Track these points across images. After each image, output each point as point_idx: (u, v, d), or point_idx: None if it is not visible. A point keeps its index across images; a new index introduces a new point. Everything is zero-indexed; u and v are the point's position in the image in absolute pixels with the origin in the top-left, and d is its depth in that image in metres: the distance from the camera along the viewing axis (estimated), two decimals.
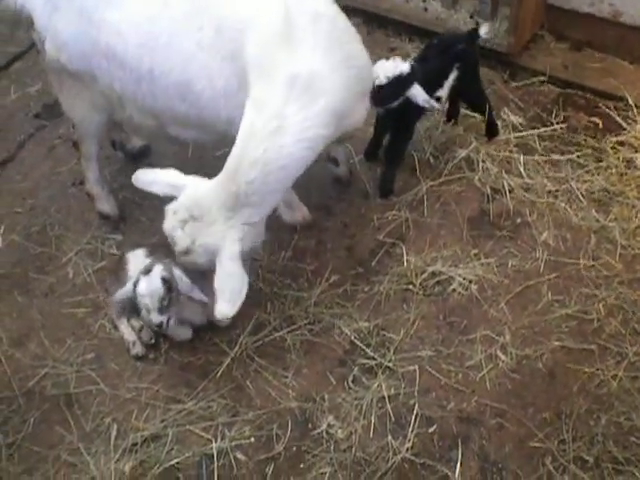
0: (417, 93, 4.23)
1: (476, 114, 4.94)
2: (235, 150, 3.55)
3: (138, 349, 4.03)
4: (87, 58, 3.91)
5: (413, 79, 4.21)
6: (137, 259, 4.05)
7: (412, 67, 4.21)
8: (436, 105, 4.40)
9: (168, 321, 3.78)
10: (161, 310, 3.73)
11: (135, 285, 3.77)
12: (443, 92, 4.52)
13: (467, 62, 4.56)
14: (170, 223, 3.63)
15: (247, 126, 3.52)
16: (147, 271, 3.75)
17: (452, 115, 4.98)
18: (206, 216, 3.55)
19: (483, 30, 4.59)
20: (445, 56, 4.50)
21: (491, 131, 4.90)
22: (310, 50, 3.51)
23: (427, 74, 4.30)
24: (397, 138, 4.55)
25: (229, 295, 3.48)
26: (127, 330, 4.07)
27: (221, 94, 3.72)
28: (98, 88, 4.03)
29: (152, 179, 3.79)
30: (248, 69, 3.54)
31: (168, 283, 3.72)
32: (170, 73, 3.76)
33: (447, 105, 4.88)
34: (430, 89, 4.31)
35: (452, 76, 4.51)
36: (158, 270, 3.73)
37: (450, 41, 4.60)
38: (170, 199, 3.68)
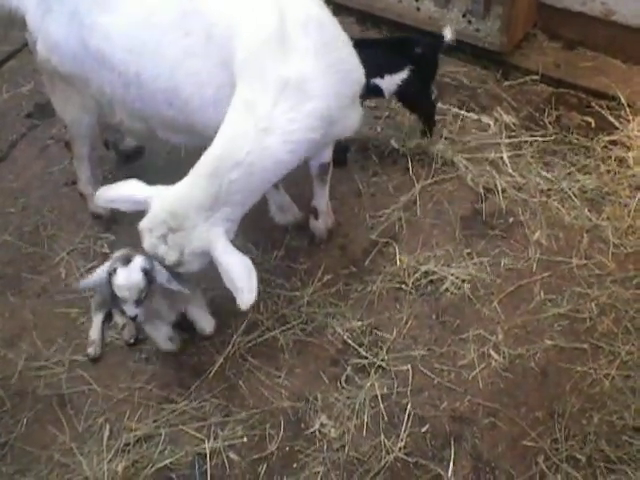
0: None
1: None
2: (214, 150, 3.48)
3: (92, 350, 4.03)
4: (78, 60, 3.90)
5: None
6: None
7: None
8: None
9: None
10: (137, 302, 3.57)
11: (110, 274, 3.54)
12: (385, 84, 4.50)
13: (421, 69, 4.55)
14: (149, 242, 3.54)
15: (231, 126, 3.48)
16: (126, 261, 3.55)
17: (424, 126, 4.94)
18: (185, 223, 3.48)
19: (448, 36, 4.58)
20: (400, 52, 4.51)
21: (425, 133, 4.89)
22: (301, 54, 3.47)
23: (370, 59, 4.29)
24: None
25: (241, 284, 3.43)
26: (96, 327, 4.07)
27: (211, 102, 3.67)
28: (89, 91, 4.02)
29: (114, 196, 3.71)
30: (236, 71, 3.50)
31: (149, 275, 3.56)
32: (157, 79, 3.74)
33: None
34: (369, 73, 4.30)
35: (400, 76, 4.50)
36: (139, 261, 3.55)
37: (412, 42, 4.60)
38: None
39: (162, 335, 3.90)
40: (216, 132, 3.72)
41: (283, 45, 3.45)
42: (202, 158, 3.50)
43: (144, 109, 3.91)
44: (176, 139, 4.11)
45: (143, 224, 3.55)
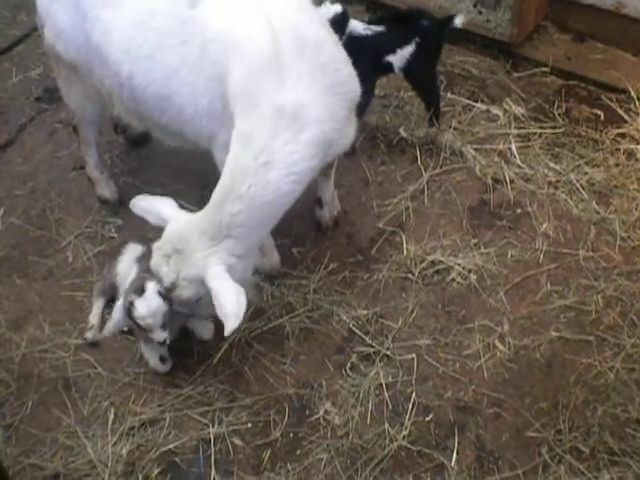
0: (355, 25, 4.39)
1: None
2: (223, 181, 3.46)
3: (90, 335, 4.04)
4: (81, 50, 3.90)
5: (348, 17, 4.39)
6: (133, 253, 4.01)
7: (344, 8, 4.39)
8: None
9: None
10: (163, 326, 3.58)
11: (129, 309, 3.54)
12: (395, 60, 4.49)
13: (427, 41, 4.54)
14: (156, 260, 3.56)
15: (233, 159, 3.44)
16: (140, 291, 3.54)
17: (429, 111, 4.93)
18: (187, 247, 3.47)
19: (457, 21, 4.59)
20: (407, 26, 4.51)
21: (432, 121, 4.88)
22: (296, 79, 3.39)
23: (379, 37, 4.31)
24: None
25: (227, 310, 3.36)
26: (96, 313, 4.07)
27: (204, 112, 3.63)
28: (91, 80, 4.01)
29: (148, 207, 3.72)
30: (232, 98, 3.45)
31: (165, 296, 3.55)
32: (150, 85, 3.70)
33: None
34: (381, 52, 4.33)
35: (408, 49, 4.49)
36: (152, 287, 3.53)
37: (417, 14, 4.61)
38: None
39: (155, 356, 3.85)
40: (209, 142, 3.75)
41: (277, 71, 3.37)
42: (216, 188, 3.48)
43: (137, 110, 3.89)
44: (170, 141, 4.07)
45: (155, 243, 3.59)
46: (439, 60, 4.81)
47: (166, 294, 3.54)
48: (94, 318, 4.07)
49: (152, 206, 3.70)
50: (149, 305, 3.52)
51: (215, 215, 3.44)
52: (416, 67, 4.57)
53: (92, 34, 3.79)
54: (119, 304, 3.64)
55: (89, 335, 4.03)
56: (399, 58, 4.49)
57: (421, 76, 4.73)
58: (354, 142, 4.54)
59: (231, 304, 3.36)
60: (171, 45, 3.61)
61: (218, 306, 3.37)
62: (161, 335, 3.60)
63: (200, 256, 3.45)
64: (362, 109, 4.24)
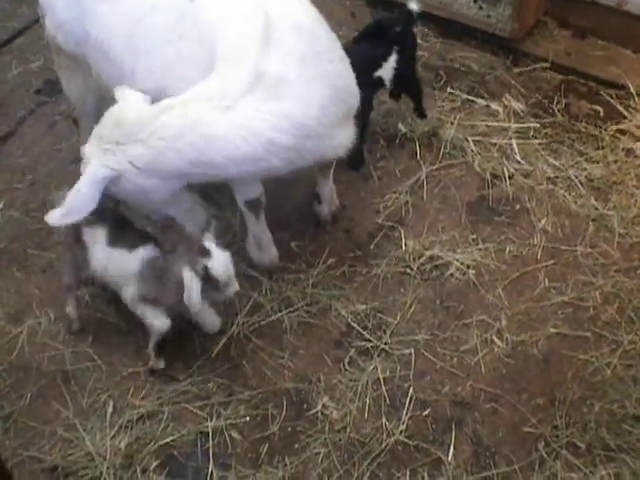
0: None
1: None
2: (181, 95, 3.40)
3: (76, 326, 4.06)
4: (81, 43, 3.90)
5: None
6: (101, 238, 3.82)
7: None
8: None
9: None
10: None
11: (206, 273, 3.50)
12: (384, 73, 4.48)
13: (406, 45, 4.55)
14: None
15: (202, 86, 3.40)
16: (205, 253, 3.51)
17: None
18: (102, 129, 3.44)
19: (413, 4, 4.58)
20: (382, 37, 4.49)
21: (422, 113, 4.90)
22: (283, 55, 3.39)
23: (364, 56, 4.28)
24: None
25: (67, 207, 3.34)
26: (72, 306, 4.04)
27: None
28: (92, 73, 4.01)
29: None
30: (217, 56, 3.43)
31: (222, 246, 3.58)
32: (149, 78, 3.69)
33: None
34: (368, 70, 4.31)
35: (392, 59, 4.48)
36: (212, 245, 3.53)
37: (386, 23, 4.59)
38: None
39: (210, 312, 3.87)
40: None
41: (266, 43, 3.36)
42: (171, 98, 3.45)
43: None
44: None
45: None
46: (417, 56, 4.81)
47: None
48: (73, 312, 4.05)
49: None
50: (222, 261, 3.53)
51: (147, 116, 3.37)
52: (402, 72, 4.57)
53: (91, 28, 3.79)
54: (188, 276, 3.51)
55: (75, 326, 4.05)
56: (386, 71, 4.48)
57: (408, 79, 4.73)
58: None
59: (70, 204, 3.35)
60: (169, 39, 3.61)
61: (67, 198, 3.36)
62: (236, 285, 3.64)
63: (97, 147, 3.42)
64: (362, 125, 4.23)
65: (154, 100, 3.64)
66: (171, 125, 3.34)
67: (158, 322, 3.75)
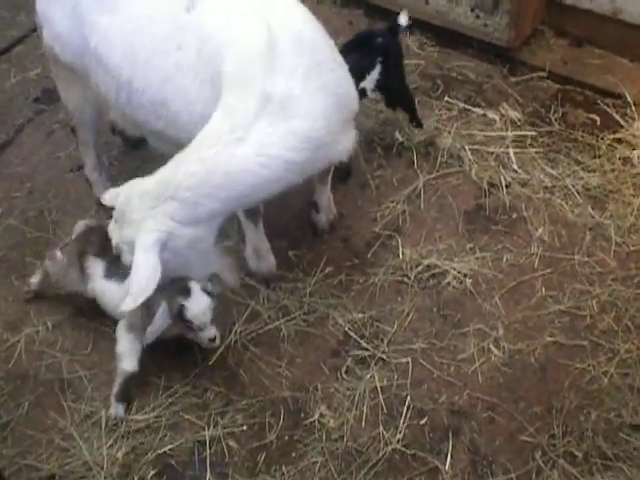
0: None
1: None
2: (191, 144, 3.42)
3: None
4: (78, 54, 3.91)
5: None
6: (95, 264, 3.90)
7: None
8: None
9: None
10: (212, 321, 3.62)
11: (181, 312, 3.54)
12: (367, 84, 4.47)
13: (389, 56, 4.53)
14: (110, 226, 3.59)
15: (210, 126, 3.40)
16: (185, 292, 3.54)
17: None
18: (129, 208, 3.42)
19: (402, 19, 4.57)
20: (366, 49, 4.49)
21: (417, 123, 4.89)
22: (288, 72, 3.39)
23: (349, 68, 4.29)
24: None
25: (133, 287, 3.31)
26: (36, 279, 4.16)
27: (199, 118, 3.58)
28: (89, 83, 4.02)
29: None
30: (223, 82, 3.43)
31: (208, 291, 3.60)
32: (147, 90, 3.70)
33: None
34: (355, 80, 4.28)
35: (376, 70, 4.47)
36: (196, 286, 3.56)
37: (369, 35, 4.60)
38: None
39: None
40: None
41: (271, 62, 3.37)
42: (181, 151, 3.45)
43: (134, 116, 3.88)
44: (165, 148, 3.97)
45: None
46: (404, 66, 4.79)
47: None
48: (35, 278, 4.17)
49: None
50: (199, 304, 3.54)
51: (168, 173, 3.39)
52: (387, 84, 4.56)
53: (90, 39, 3.80)
54: (161, 310, 3.54)
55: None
56: (370, 82, 4.47)
57: (394, 90, 4.71)
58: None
59: (137, 283, 3.31)
60: (167, 50, 3.62)
61: (130, 278, 3.32)
62: (212, 331, 3.63)
63: (136, 217, 3.38)
64: None
65: (154, 112, 3.67)
66: (192, 174, 3.35)
67: (128, 363, 3.74)
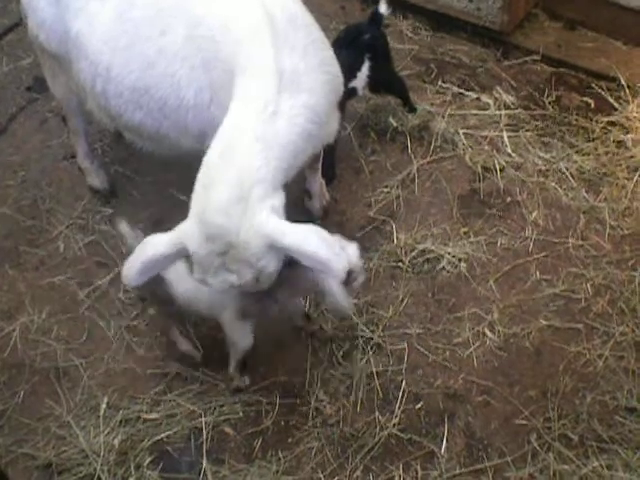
0: None
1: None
2: (220, 135, 3.23)
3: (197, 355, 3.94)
4: (62, 42, 3.87)
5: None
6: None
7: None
8: None
9: None
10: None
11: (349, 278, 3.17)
12: (358, 83, 4.45)
13: (377, 50, 4.52)
14: (214, 282, 3.18)
15: (235, 115, 3.26)
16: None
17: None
18: (227, 231, 3.07)
19: (382, 8, 4.53)
20: (352, 48, 4.43)
21: (411, 108, 4.88)
22: (291, 49, 3.36)
23: (344, 60, 4.15)
24: None
25: (324, 255, 3.06)
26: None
27: (190, 105, 3.53)
28: (72, 73, 3.97)
29: (142, 267, 3.22)
30: (230, 66, 3.36)
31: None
32: (127, 77, 3.63)
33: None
34: (347, 78, 4.24)
35: (365, 67, 4.45)
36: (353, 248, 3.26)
37: (355, 32, 4.55)
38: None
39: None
40: (194, 142, 3.61)
41: (275, 40, 3.32)
42: (202, 167, 3.24)
43: (108, 107, 3.80)
44: (142, 144, 3.92)
45: (193, 273, 3.22)
46: (391, 56, 4.74)
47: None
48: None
49: (147, 259, 3.21)
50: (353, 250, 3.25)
51: (232, 177, 3.13)
52: (377, 77, 4.54)
53: (73, 24, 3.74)
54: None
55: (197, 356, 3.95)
56: (360, 80, 4.45)
57: (385, 81, 4.69)
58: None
59: (322, 248, 3.08)
60: (149, 35, 3.57)
61: (310, 261, 3.08)
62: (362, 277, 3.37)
63: (248, 225, 3.06)
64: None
65: (133, 101, 3.65)
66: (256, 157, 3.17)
67: (246, 342, 3.66)
